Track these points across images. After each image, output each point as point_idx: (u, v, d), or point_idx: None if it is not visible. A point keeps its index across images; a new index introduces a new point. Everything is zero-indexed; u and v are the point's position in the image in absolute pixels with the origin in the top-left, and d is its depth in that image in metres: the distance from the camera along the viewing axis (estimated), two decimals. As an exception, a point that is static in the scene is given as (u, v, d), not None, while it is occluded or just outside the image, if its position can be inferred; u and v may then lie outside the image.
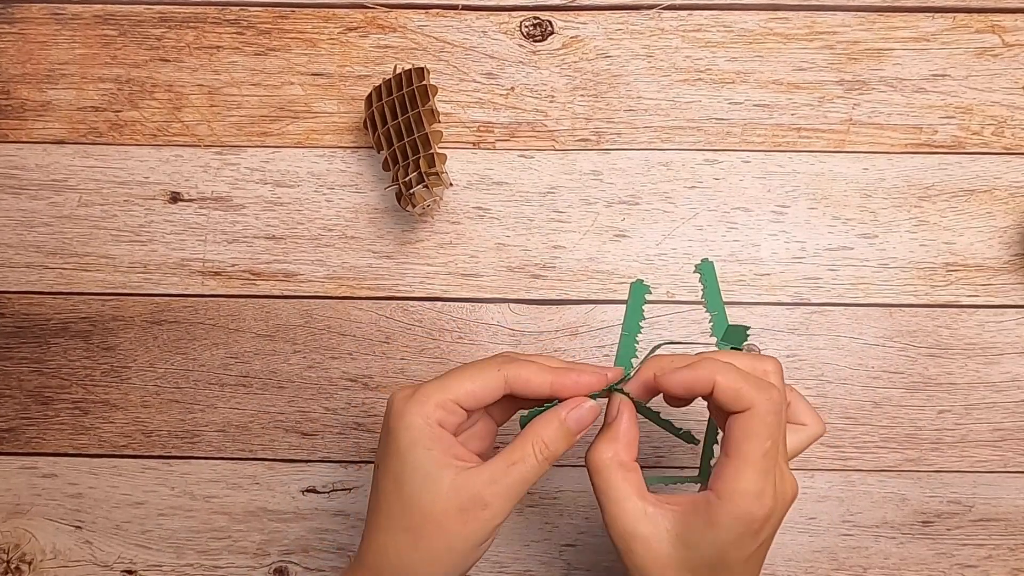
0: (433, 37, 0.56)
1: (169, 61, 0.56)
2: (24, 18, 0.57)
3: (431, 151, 0.50)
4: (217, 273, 0.55)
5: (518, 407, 0.41)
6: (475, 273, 0.55)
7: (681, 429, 0.42)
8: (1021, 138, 0.55)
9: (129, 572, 0.55)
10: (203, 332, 0.55)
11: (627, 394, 0.39)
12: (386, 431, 0.38)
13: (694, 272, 0.55)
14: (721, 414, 0.38)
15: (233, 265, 0.55)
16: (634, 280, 0.55)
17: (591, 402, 0.38)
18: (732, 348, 0.41)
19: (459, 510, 0.36)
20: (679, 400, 0.39)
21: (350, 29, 0.56)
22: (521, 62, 0.56)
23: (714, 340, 0.56)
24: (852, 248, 0.55)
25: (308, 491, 0.55)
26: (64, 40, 0.56)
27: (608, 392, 0.40)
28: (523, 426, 0.39)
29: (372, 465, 0.47)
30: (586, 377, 0.39)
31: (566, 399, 0.38)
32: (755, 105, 0.55)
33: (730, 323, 0.41)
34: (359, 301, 0.55)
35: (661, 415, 0.41)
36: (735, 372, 0.36)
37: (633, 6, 0.56)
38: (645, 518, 0.36)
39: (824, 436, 0.54)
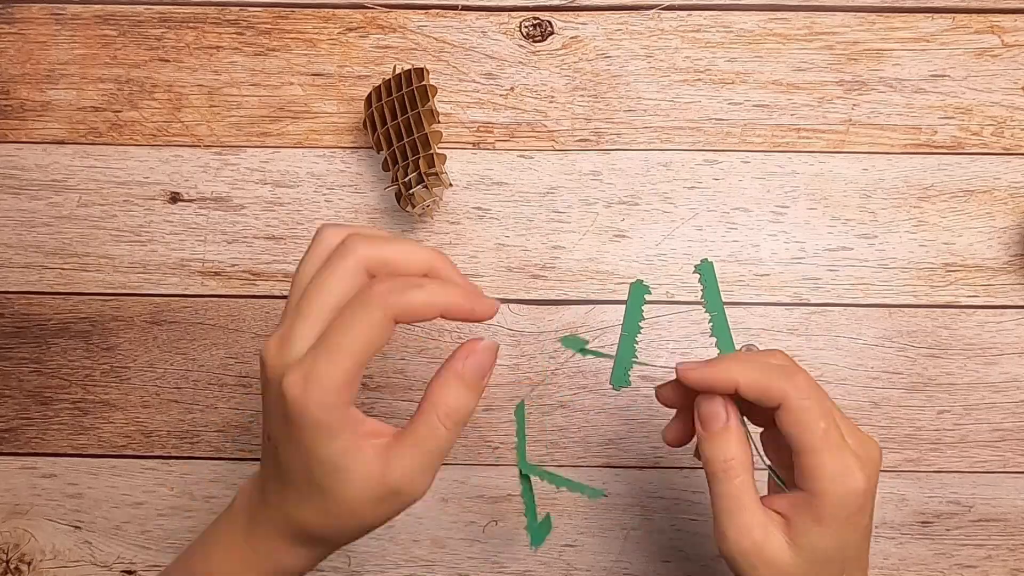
0: (433, 37, 0.56)
1: (169, 61, 0.56)
2: (24, 18, 0.57)
3: (431, 151, 0.51)
4: (217, 273, 0.55)
5: None
6: (475, 273, 0.55)
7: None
8: (1021, 138, 0.55)
9: (129, 572, 0.55)
10: (203, 332, 0.55)
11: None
12: (281, 418, 0.34)
13: (694, 272, 0.55)
14: (759, 415, 0.37)
15: (233, 265, 0.55)
16: (634, 280, 0.55)
17: (484, 341, 0.35)
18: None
19: (373, 501, 0.34)
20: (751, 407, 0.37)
21: (350, 29, 0.56)
22: (521, 62, 0.56)
23: (714, 340, 0.56)
24: (852, 248, 0.55)
25: (308, 491, 0.55)
26: (64, 40, 0.56)
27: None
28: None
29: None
30: (483, 307, 0.35)
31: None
32: (755, 105, 0.55)
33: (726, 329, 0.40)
34: (359, 301, 0.55)
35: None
36: (754, 368, 0.35)
37: (633, 6, 0.56)
38: (764, 531, 0.35)
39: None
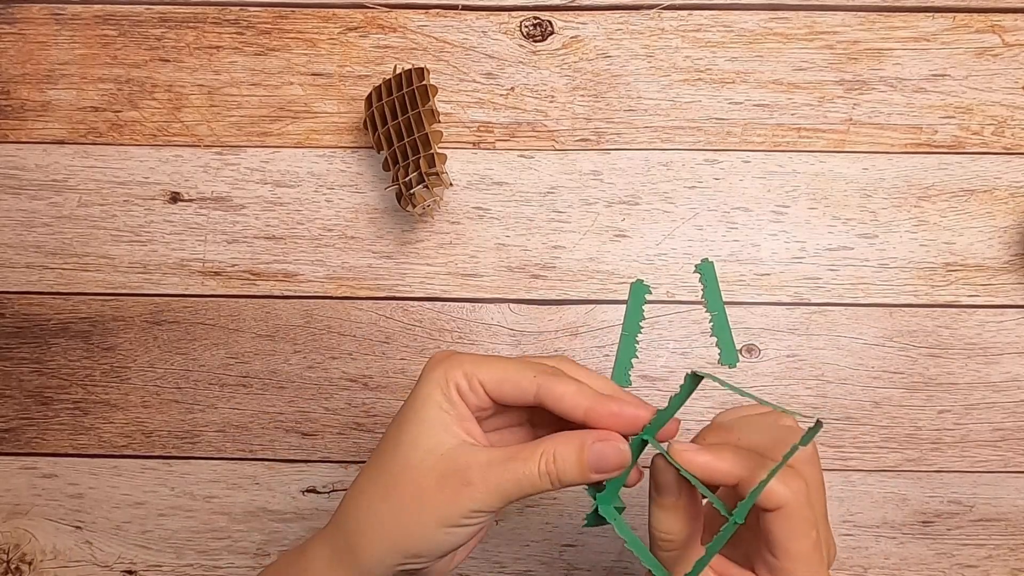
0: (433, 37, 0.56)
1: (169, 61, 0.56)
2: (24, 18, 0.57)
3: (431, 151, 0.50)
4: (217, 273, 0.55)
5: (564, 426, 0.36)
6: (475, 273, 0.55)
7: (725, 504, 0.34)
8: (1021, 138, 0.55)
9: (129, 572, 0.55)
10: (203, 332, 0.55)
11: (667, 455, 0.34)
12: (416, 383, 0.36)
13: (694, 272, 0.55)
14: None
15: (233, 265, 0.55)
16: (634, 280, 0.55)
17: (623, 445, 0.35)
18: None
19: (440, 475, 0.34)
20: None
21: (350, 29, 0.56)
22: (521, 62, 0.56)
23: (714, 340, 0.57)
24: (852, 248, 0.55)
25: (308, 491, 0.55)
26: (64, 40, 0.56)
27: (643, 441, 0.35)
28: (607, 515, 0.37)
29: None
30: (628, 411, 0.35)
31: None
32: (755, 105, 0.55)
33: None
34: (359, 301, 0.55)
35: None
36: (752, 466, 0.33)
37: (633, 6, 0.56)
38: None
39: (824, 435, 0.54)
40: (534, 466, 0.34)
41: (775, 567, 0.34)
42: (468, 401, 0.36)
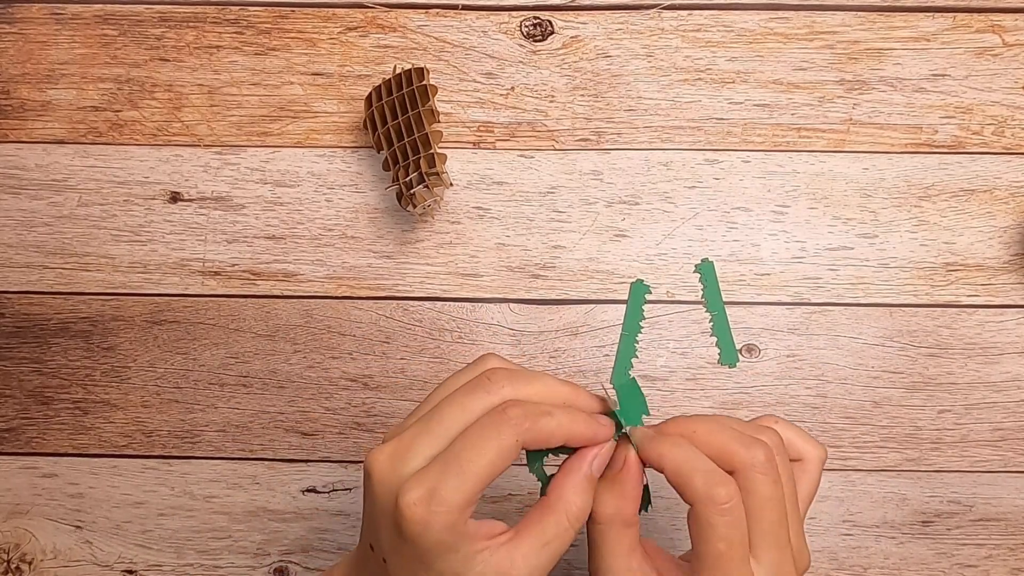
0: (433, 37, 0.56)
1: (169, 61, 0.56)
2: (24, 18, 0.57)
3: (431, 151, 0.50)
4: (217, 273, 0.55)
5: None
6: (475, 273, 0.55)
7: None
8: (1021, 138, 0.55)
9: (129, 572, 0.55)
10: (203, 332, 0.55)
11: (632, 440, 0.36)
12: (394, 533, 0.32)
13: (694, 272, 0.55)
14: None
15: (233, 265, 0.55)
16: (634, 280, 0.55)
17: (609, 443, 0.35)
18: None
19: None
20: None
21: (350, 29, 0.56)
22: (521, 62, 0.56)
23: (714, 340, 0.57)
24: (852, 248, 0.55)
25: (308, 491, 0.55)
26: (64, 40, 0.56)
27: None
28: (539, 476, 0.37)
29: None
30: (603, 433, 0.35)
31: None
32: (755, 105, 0.55)
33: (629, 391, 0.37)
34: (359, 301, 0.55)
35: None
36: (688, 455, 0.33)
37: (633, 6, 0.56)
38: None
39: (824, 435, 0.54)
40: (570, 532, 0.34)
41: (692, 558, 0.34)
42: (471, 514, 0.33)
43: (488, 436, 0.32)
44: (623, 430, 0.36)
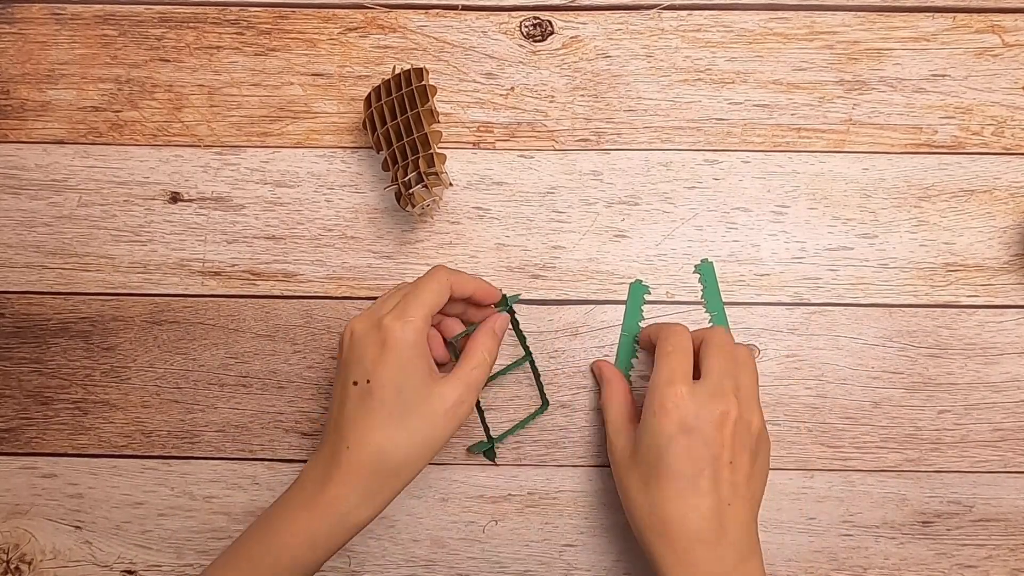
0: (433, 37, 0.56)
1: (169, 61, 0.56)
2: (24, 18, 0.57)
3: (431, 151, 0.50)
4: (217, 273, 0.55)
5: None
6: (475, 273, 0.55)
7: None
8: (1021, 138, 0.55)
9: (129, 572, 0.55)
10: (203, 332, 0.55)
11: (513, 313, 0.53)
12: (378, 350, 0.46)
13: (694, 272, 0.55)
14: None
15: (233, 265, 0.55)
16: (634, 280, 0.55)
17: (505, 314, 0.52)
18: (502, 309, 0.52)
19: (445, 412, 0.46)
20: None
21: (350, 29, 0.56)
22: (521, 62, 0.56)
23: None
24: (852, 248, 0.55)
25: (308, 491, 0.55)
26: (64, 40, 0.56)
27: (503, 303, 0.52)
28: (453, 353, 0.50)
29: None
30: (493, 289, 0.51)
31: (480, 316, 0.52)
32: (755, 105, 0.55)
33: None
34: (359, 301, 0.55)
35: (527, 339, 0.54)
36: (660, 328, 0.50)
37: (633, 6, 0.56)
38: (621, 433, 0.50)
39: (824, 435, 0.54)
40: (486, 362, 0.48)
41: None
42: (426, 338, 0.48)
43: (429, 278, 0.48)
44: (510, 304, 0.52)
